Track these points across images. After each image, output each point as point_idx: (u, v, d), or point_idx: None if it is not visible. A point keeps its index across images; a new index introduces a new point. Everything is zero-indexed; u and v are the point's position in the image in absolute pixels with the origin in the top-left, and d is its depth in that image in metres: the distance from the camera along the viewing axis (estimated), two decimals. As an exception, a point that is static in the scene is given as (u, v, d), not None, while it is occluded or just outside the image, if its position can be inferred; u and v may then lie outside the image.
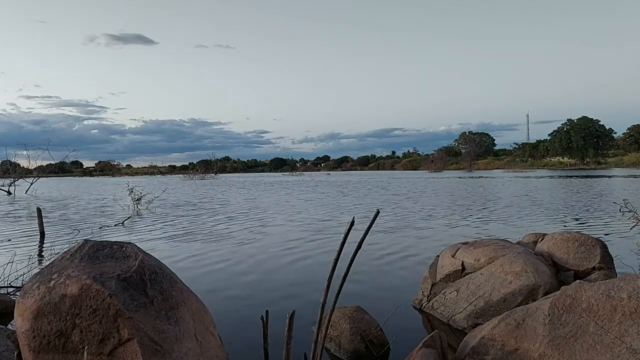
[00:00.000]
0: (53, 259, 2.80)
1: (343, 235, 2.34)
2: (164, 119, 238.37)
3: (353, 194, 23.94)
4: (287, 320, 2.32)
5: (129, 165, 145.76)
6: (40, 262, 7.16)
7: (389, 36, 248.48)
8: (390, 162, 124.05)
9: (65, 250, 2.68)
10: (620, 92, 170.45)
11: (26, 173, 35.79)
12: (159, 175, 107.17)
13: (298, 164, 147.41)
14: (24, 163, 37.67)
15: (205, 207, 17.39)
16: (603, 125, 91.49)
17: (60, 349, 2.27)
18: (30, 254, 7.53)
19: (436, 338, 2.84)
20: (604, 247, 4.35)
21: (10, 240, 9.52)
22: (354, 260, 2.39)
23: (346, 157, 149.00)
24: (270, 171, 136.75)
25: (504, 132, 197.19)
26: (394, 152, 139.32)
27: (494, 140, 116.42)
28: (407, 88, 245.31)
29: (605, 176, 41.19)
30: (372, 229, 2.37)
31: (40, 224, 10.02)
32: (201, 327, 2.67)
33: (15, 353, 2.39)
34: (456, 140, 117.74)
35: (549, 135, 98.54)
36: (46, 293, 2.32)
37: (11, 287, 5.02)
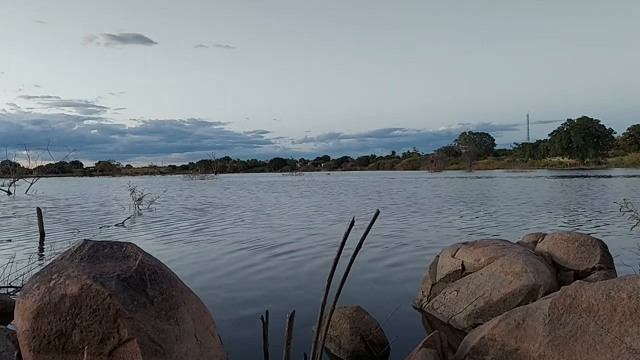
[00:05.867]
0: (53, 259, 2.80)
1: (343, 235, 2.34)
2: (163, 119, 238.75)
3: (354, 194, 23.95)
4: (287, 320, 2.32)
5: (129, 165, 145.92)
6: (40, 262, 7.16)
7: (389, 36, 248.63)
8: (390, 162, 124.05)
9: (65, 250, 2.68)
10: (620, 92, 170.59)
11: (26, 173, 35.82)
12: (159, 176, 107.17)
13: (298, 164, 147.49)
14: (24, 163, 37.77)
15: (205, 207, 17.39)
16: (603, 125, 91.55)
17: (60, 349, 2.27)
18: (30, 254, 7.53)
19: (436, 338, 2.84)
20: (604, 247, 4.35)
21: (10, 240, 9.52)
22: (354, 260, 2.39)
23: (346, 157, 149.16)
24: (270, 171, 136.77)
25: (504, 132, 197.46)
26: (394, 152, 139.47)
27: (494, 140, 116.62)
28: (407, 88, 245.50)
29: (605, 176, 41.18)
30: (372, 229, 2.37)
31: (40, 224, 10.02)
32: (201, 327, 2.67)
33: (15, 353, 2.39)
34: (456, 140, 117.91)
35: (549, 135, 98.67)
36: (46, 293, 2.32)
37: (11, 287, 5.02)
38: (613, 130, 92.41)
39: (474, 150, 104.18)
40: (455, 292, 4.24)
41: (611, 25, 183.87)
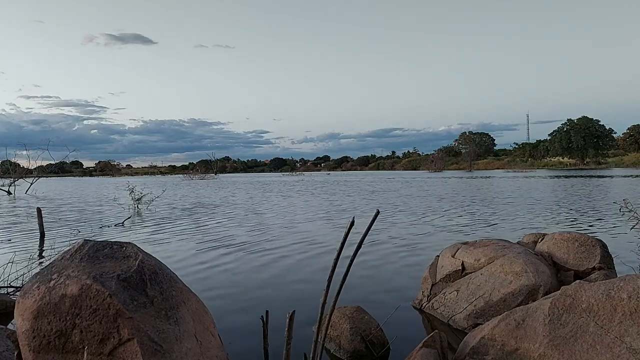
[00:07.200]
0: (53, 259, 2.80)
1: (343, 236, 2.34)
2: (163, 119, 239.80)
3: (356, 194, 23.95)
4: (287, 320, 2.32)
5: (129, 165, 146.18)
6: (40, 262, 7.16)
7: (389, 36, 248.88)
8: (390, 162, 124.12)
9: (65, 250, 2.68)
10: (620, 92, 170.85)
11: (26, 173, 35.79)
12: (159, 175, 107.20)
13: (298, 164, 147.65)
14: (24, 163, 37.69)
15: (205, 207, 17.39)
16: (603, 125, 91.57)
17: (60, 349, 2.27)
18: (30, 254, 7.53)
19: (436, 338, 2.84)
20: (604, 247, 4.34)
21: (10, 240, 9.52)
22: (354, 260, 2.39)
23: (346, 157, 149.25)
24: (270, 171, 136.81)
25: (504, 132, 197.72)
26: (394, 152, 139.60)
27: (494, 140, 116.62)
28: (407, 88, 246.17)
29: (605, 176, 41.17)
30: (372, 229, 2.37)
31: (40, 224, 10.02)
32: (201, 327, 2.67)
33: (15, 353, 2.39)
34: (456, 140, 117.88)
35: (549, 135, 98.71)
36: (46, 293, 2.32)
37: (11, 287, 5.02)
38: (613, 130, 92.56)
39: (474, 150, 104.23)
40: (455, 292, 4.24)
41: (611, 25, 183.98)
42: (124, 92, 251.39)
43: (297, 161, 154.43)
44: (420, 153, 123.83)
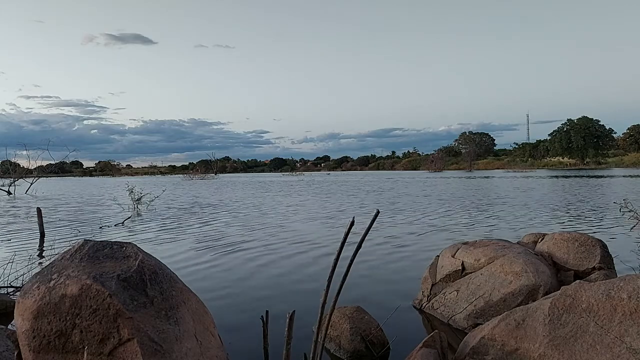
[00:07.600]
0: (53, 259, 2.79)
1: (343, 236, 2.34)
2: (163, 119, 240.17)
3: (355, 194, 23.95)
4: (287, 320, 2.32)
5: (129, 166, 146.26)
6: (40, 262, 7.16)
7: (389, 36, 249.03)
8: (390, 162, 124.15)
9: (65, 250, 2.68)
10: (620, 92, 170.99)
11: (26, 173, 35.80)
12: (159, 175, 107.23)
13: (298, 164, 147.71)
14: (24, 163, 37.70)
15: (204, 207, 17.39)
16: (603, 125, 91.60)
17: (60, 349, 2.27)
18: (30, 254, 7.53)
19: (436, 338, 2.84)
20: (604, 247, 4.34)
21: (10, 240, 9.52)
22: (354, 260, 2.39)
23: (346, 157, 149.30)
24: (270, 171, 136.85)
25: (504, 132, 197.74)
26: (394, 152, 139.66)
27: (494, 140, 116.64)
28: (407, 88, 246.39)
29: (605, 176, 41.17)
30: (371, 229, 2.37)
31: (40, 224, 10.02)
32: (201, 327, 2.67)
33: (15, 353, 2.39)
34: (456, 140, 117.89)
35: (549, 135, 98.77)
36: (46, 293, 2.32)
37: (11, 287, 5.02)
38: (613, 130, 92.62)
39: (474, 150, 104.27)
40: (455, 292, 4.24)
41: (611, 25, 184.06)
42: (124, 92, 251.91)
43: (297, 161, 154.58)
44: (420, 153, 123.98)
